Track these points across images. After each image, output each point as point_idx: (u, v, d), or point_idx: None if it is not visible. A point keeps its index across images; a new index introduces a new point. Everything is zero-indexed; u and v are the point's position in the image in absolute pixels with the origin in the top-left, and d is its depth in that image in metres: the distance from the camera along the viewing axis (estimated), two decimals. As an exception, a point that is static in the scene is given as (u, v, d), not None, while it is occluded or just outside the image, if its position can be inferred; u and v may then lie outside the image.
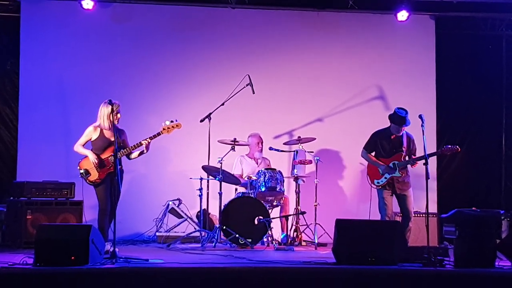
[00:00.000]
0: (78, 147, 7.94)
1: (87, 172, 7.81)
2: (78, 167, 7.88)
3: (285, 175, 9.30)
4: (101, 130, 7.88)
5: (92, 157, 7.79)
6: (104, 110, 7.79)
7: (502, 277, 6.23)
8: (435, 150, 10.05)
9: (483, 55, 11.04)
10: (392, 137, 8.31)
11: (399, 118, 8.17)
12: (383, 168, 8.22)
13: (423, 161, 7.35)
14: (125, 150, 7.83)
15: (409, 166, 8.31)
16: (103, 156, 7.84)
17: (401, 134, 8.29)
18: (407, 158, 8.30)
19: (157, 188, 10.06)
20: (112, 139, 7.68)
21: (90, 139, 7.92)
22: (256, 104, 10.13)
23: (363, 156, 8.51)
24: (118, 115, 7.73)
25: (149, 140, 7.87)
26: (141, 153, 8.01)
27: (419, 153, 8.21)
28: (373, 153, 8.44)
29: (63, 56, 10.21)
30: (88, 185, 7.88)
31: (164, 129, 7.97)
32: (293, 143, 9.67)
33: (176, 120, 8.04)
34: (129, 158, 8.06)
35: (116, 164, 7.12)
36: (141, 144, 7.85)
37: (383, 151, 8.34)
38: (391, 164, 8.20)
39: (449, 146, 8.31)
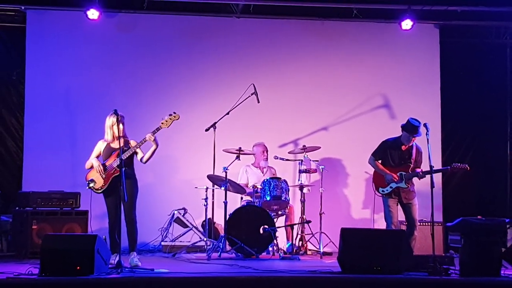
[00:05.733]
0: (87, 163, 7.80)
1: (92, 181, 7.71)
2: (86, 180, 7.76)
3: (290, 184, 9.30)
4: (108, 143, 7.80)
5: (96, 163, 7.70)
6: (107, 121, 7.73)
7: (508, 286, 6.23)
8: (439, 159, 10.09)
9: (487, 63, 11.03)
10: (402, 147, 8.26)
11: (411, 126, 8.10)
12: (390, 177, 8.18)
13: (428, 169, 7.36)
14: (129, 150, 7.64)
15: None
16: (107, 163, 7.71)
17: (411, 144, 8.24)
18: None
19: (162, 197, 10.03)
20: (117, 147, 7.67)
21: (100, 153, 7.82)
22: (261, 113, 10.12)
23: (370, 163, 8.45)
24: (120, 126, 7.65)
25: (152, 135, 7.65)
26: (154, 151, 7.75)
27: (424, 164, 8.16)
28: (380, 161, 8.40)
29: (68, 66, 10.22)
30: (95, 195, 7.78)
31: (162, 123, 7.76)
32: (298, 152, 9.66)
33: (175, 113, 7.80)
34: (143, 162, 7.82)
35: (121, 165, 7.02)
36: (145, 141, 7.64)
37: (392, 160, 8.28)
38: (398, 175, 8.18)
39: (458, 164, 8.25)
